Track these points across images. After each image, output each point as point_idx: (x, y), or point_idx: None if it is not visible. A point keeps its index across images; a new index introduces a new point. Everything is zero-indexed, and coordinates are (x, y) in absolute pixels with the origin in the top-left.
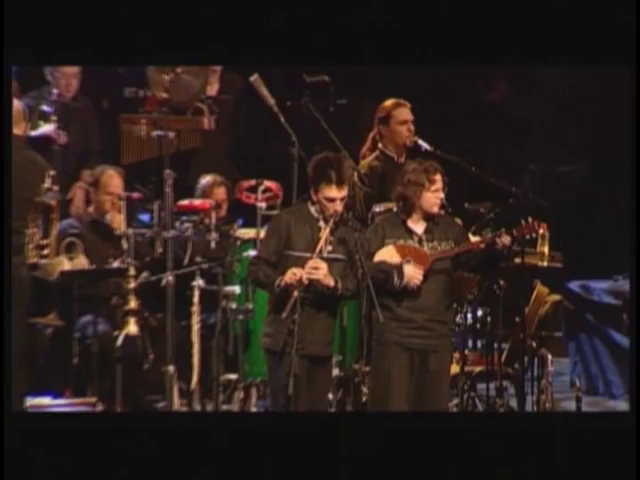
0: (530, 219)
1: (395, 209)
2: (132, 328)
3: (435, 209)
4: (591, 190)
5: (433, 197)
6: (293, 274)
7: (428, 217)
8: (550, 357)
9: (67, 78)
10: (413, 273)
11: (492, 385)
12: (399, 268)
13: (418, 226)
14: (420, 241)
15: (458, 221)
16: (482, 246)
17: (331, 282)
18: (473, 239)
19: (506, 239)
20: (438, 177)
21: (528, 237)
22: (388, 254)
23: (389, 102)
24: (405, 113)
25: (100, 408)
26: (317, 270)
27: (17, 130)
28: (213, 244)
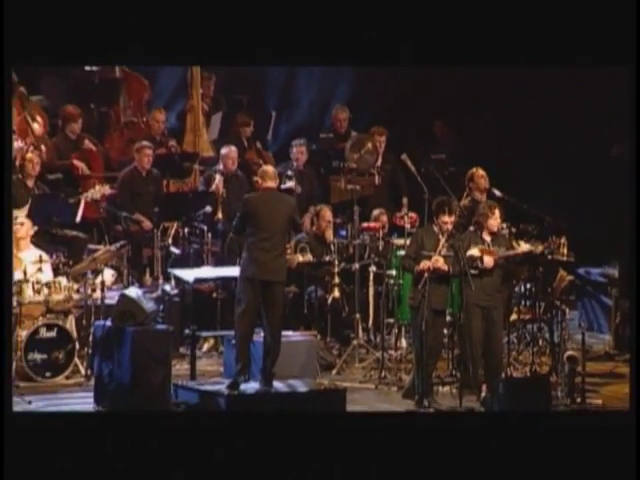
0: (554, 237)
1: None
2: (336, 293)
3: (495, 229)
4: (593, 205)
5: (495, 223)
6: (424, 264)
7: (492, 233)
8: (567, 310)
9: (300, 155)
10: (488, 260)
11: (535, 326)
12: (481, 258)
13: (487, 238)
14: (489, 246)
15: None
16: (525, 252)
17: (445, 268)
18: (524, 246)
19: (539, 249)
20: (496, 211)
21: (553, 247)
22: (476, 251)
23: (473, 169)
24: (481, 172)
25: (319, 337)
26: (438, 262)
27: (273, 184)
28: (380, 247)
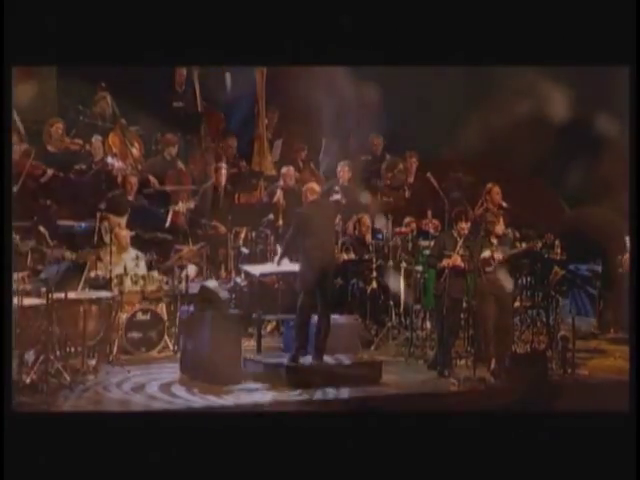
0: (550, 234)
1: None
2: (374, 285)
3: (501, 233)
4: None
5: (500, 228)
6: (446, 262)
7: (498, 237)
8: (560, 298)
9: (345, 174)
10: (498, 255)
11: (534, 311)
12: (493, 256)
13: (494, 240)
14: (496, 248)
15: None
16: (526, 249)
17: (462, 265)
18: (525, 245)
19: (538, 246)
20: (501, 219)
21: (548, 242)
22: (488, 252)
23: (489, 185)
24: (497, 189)
25: (360, 320)
26: (456, 260)
27: (314, 197)
28: (410, 248)
